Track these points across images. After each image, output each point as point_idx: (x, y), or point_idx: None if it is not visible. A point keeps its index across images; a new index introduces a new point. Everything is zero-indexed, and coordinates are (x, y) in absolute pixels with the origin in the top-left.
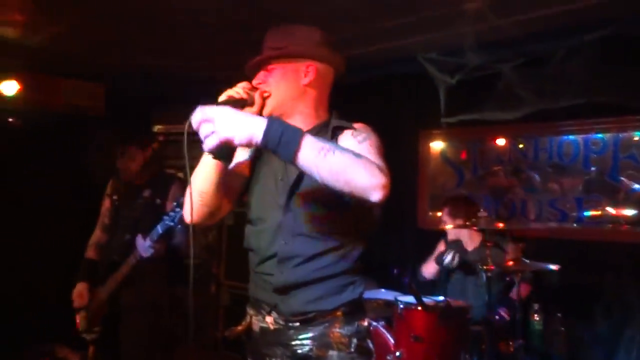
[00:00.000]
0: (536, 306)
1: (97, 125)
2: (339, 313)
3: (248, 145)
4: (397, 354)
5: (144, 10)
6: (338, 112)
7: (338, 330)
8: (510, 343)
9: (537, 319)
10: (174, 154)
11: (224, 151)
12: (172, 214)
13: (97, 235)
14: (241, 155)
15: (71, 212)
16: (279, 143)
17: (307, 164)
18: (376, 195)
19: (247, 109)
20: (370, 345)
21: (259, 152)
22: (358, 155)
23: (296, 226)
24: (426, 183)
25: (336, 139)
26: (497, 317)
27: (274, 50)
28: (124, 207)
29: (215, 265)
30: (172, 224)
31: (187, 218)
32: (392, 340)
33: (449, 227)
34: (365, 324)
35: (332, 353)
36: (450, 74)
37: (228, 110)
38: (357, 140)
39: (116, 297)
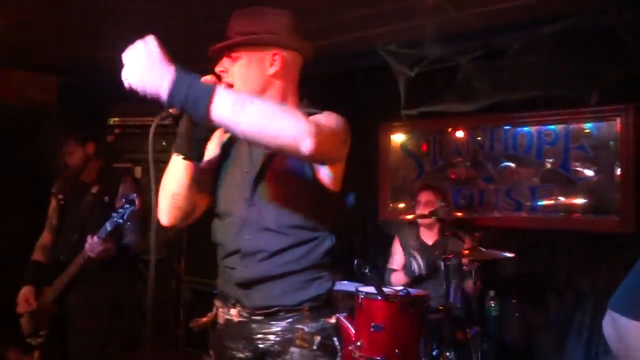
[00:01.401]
0: (492, 293)
1: (49, 118)
2: (304, 309)
3: (158, 98)
4: (358, 343)
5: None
6: (309, 100)
7: (301, 327)
8: (468, 330)
9: (493, 305)
10: (130, 147)
11: (194, 151)
12: (120, 210)
13: (44, 236)
14: (212, 151)
15: (22, 210)
16: (186, 99)
17: (225, 120)
18: (306, 145)
19: None
20: (336, 343)
21: (226, 147)
22: (281, 105)
23: (261, 220)
24: (387, 175)
25: None
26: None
27: (240, 35)
28: (71, 205)
29: (176, 262)
30: (120, 221)
31: (162, 220)
32: (353, 331)
33: (409, 217)
34: (332, 321)
35: (294, 350)
36: (409, 66)
37: (141, 54)
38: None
39: (63, 299)
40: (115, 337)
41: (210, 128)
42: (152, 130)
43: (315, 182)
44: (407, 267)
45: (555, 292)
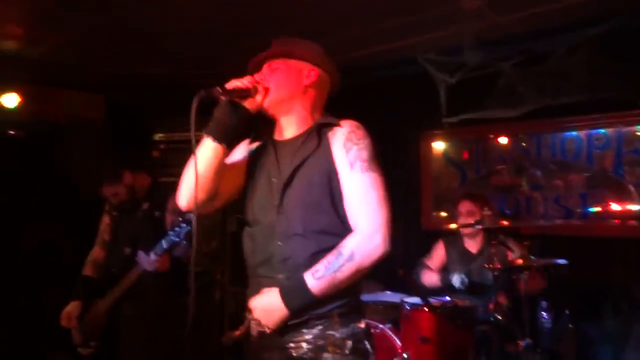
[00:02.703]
0: (544, 304)
1: (98, 135)
2: (334, 315)
3: None
4: (405, 355)
5: (142, 20)
6: (327, 112)
7: (333, 332)
8: (519, 342)
9: (546, 316)
10: (176, 161)
11: (226, 136)
12: (177, 229)
13: (95, 252)
14: (238, 154)
15: (73, 223)
16: (302, 306)
17: (329, 293)
18: (385, 252)
19: (250, 99)
20: (368, 346)
21: (254, 154)
22: (350, 254)
23: (289, 227)
24: (429, 184)
25: (325, 137)
26: (493, 305)
27: (280, 49)
28: (124, 221)
29: (220, 273)
30: (177, 239)
31: (181, 202)
32: (399, 343)
33: (452, 226)
34: (363, 325)
35: (327, 356)
36: (450, 74)
37: (261, 308)
38: (350, 162)
39: (116, 311)
40: (166, 348)
41: (247, 119)
42: (192, 110)
43: (340, 193)
44: (444, 274)
45: (610, 302)
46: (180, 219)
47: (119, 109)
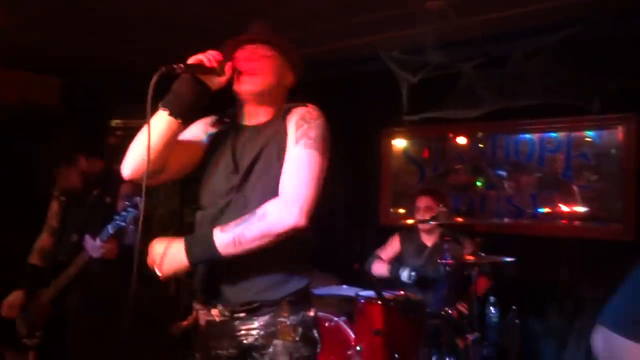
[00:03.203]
0: (492, 299)
1: (52, 119)
2: (284, 303)
3: None
4: (358, 348)
5: (100, 3)
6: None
7: (283, 319)
8: (467, 336)
9: (494, 312)
10: None
11: (183, 111)
12: (123, 213)
13: (43, 239)
14: (196, 132)
15: (22, 211)
16: (203, 255)
17: (236, 252)
18: (299, 224)
19: (213, 77)
20: (316, 335)
21: (215, 137)
22: (262, 214)
23: (247, 207)
24: (388, 180)
25: (284, 120)
26: (454, 311)
27: (276, 39)
28: (73, 207)
29: None
30: (123, 224)
31: (124, 171)
32: (352, 335)
33: (409, 222)
34: (312, 314)
35: (277, 342)
36: (412, 72)
37: (158, 248)
38: (296, 137)
39: (61, 300)
40: (113, 338)
41: (206, 97)
42: (151, 86)
43: None
44: (394, 266)
45: (555, 299)
46: (128, 203)
47: (75, 93)
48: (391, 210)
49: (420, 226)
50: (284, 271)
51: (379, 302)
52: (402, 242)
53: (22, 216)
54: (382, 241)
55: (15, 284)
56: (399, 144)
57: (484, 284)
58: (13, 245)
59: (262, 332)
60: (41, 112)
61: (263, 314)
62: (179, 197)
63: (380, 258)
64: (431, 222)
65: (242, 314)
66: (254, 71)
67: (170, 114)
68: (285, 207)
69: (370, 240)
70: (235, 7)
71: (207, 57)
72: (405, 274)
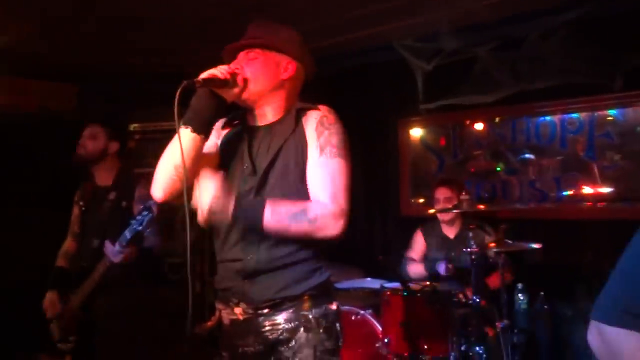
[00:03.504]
0: (520, 286)
1: (69, 127)
2: (306, 297)
3: None
4: (385, 340)
5: (116, 9)
6: (302, 99)
7: (306, 313)
8: (497, 324)
9: (522, 298)
10: (151, 152)
11: (204, 126)
12: (139, 217)
13: (67, 243)
14: (211, 141)
15: (46, 218)
16: (245, 217)
17: (275, 230)
18: (337, 235)
19: (228, 90)
20: (339, 329)
21: (226, 140)
22: (314, 218)
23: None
24: (407, 170)
25: (300, 122)
26: (477, 300)
27: (259, 39)
28: (91, 212)
29: (199, 264)
30: (139, 228)
31: (156, 194)
32: (379, 328)
33: (431, 211)
34: (334, 307)
35: (301, 335)
36: (426, 60)
37: (209, 189)
38: (320, 145)
39: (90, 305)
40: (142, 340)
41: (223, 109)
42: (177, 96)
43: None
44: (427, 262)
45: (584, 283)
46: (143, 207)
47: (92, 99)
48: (412, 200)
49: (441, 217)
50: (305, 268)
51: (405, 293)
52: (425, 237)
53: (45, 222)
54: (403, 231)
55: (45, 287)
56: (416, 133)
57: (506, 277)
58: (37, 251)
59: (286, 327)
60: (59, 119)
61: (286, 309)
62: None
63: (412, 259)
64: (453, 211)
65: (265, 310)
66: (247, 79)
67: (193, 131)
68: (334, 219)
69: (392, 232)
70: (243, 5)
71: (220, 71)
72: (442, 268)
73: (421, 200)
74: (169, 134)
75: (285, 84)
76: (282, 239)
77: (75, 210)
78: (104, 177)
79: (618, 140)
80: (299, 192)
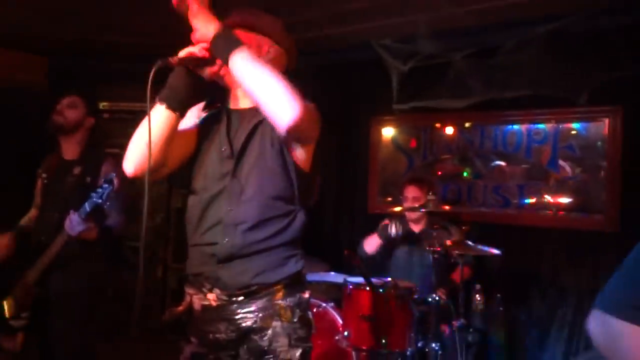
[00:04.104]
0: (477, 287)
1: (39, 99)
2: (281, 285)
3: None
4: (345, 333)
5: None
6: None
7: (281, 302)
8: (453, 323)
9: (479, 299)
10: (119, 132)
11: (180, 103)
12: (99, 190)
13: (31, 213)
14: (188, 120)
15: (10, 192)
16: (221, 44)
17: (240, 69)
18: (292, 116)
19: (207, 69)
20: (311, 316)
21: (205, 122)
22: (284, 79)
23: (242, 192)
24: (377, 169)
25: None
26: (436, 297)
27: (241, 23)
28: (54, 185)
29: (162, 249)
30: (99, 201)
31: (127, 169)
32: (340, 321)
33: (397, 209)
34: (306, 296)
35: (276, 323)
36: (403, 61)
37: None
38: None
39: (45, 282)
40: (97, 323)
41: (201, 88)
42: (151, 76)
43: (290, 159)
44: (382, 229)
45: (539, 288)
46: (104, 179)
47: (62, 73)
48: (379, 198)
49: (408, 214)
50: (280, 255)
51: (367, 288)
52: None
53: (13, 196)
54: (370, 229)
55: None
56: (388, 132)
57: (466, 273)
58: (3, 224)
59: (260, 315)
60: (28, 90)
61: (260, 297)
62: (167, 182)
63: (368, 235)
64: (420, 211)
65: (240, 298)
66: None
67: (168, 107)
68: (300, 103)
69: (358, 228)
70: None
71: (199, 48)
72: (392, 229)
73: (389, 199)
74: (138, 114)
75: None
76: (259, 223)
77: (39, 183)
78: (71, 150)
79: (580, 153)
80: (276, 175)
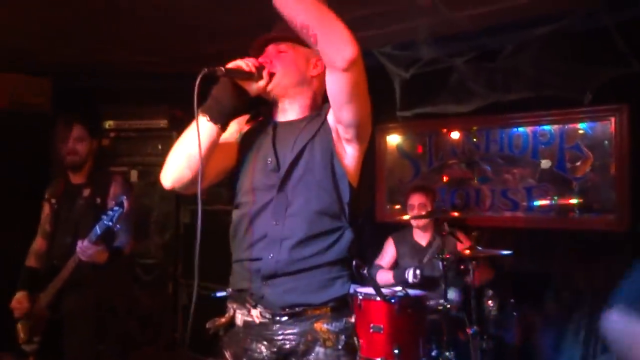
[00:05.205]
0: (490, 292)
1: (44, 122)
2: (327, 309)
3: None
4: None
5: (92, 3)
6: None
7: (326, 326)
8: (467, 330)
9: (492, 305)
10: (126, 150)
11: (222, 115)
12: (110, 213)
13: (37, 242)
14: (230, 134)
15: (15, 216)
16: None
17: (290, 3)
18: (348, 53)
19: (252, 83)
20: (357, 342)
21: (250, 134)
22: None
23: (288, 206)
24: (383, 176)
25: (326, 120)
26: (447, 305)
27: (290, 33)
28: (64, 210)
29: (173, 265)
30: (110, 224)
31: (165, 181)
32: None
33: (405, 217)
34: (352, 320)
35: (319, 349)
36: (404, 68)
37: None
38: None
39: (57, 304)
40: (109, 340)
41: (246, 102)
42: (197, 82)
43: (341, 170)
44: (398, 272)
45: (552, 291)
46: (114, 202)
47: (67, 95)
48: (387, 206)
49: (414, 224)
50: (327, 275)
51: (378, 298)
52: (397, 245)
53: (18, 220)
54: (379, 237)
55: (15, 286)
56: (393, 140)
57: (486, 274)
58: (9, 249)
59: (303, 339)
60: (34, 114)
61: (304, 320)
62: (175, 198)
63: (381, 267)
64: (427, 217)
65: (284, 318)
66: (273, 69)
67: (210, 119)
68: (355, 45)
69: (367, 237)
70: (225, 6)
71: (246, 63)
72: (410, 275)
73: (397, 207)
74: (143, 132)
75: (314, 81)
76: (305, 239)
77: (46, 209)
78: (78, 174)
79: (587, 153)
80: (324, 190)
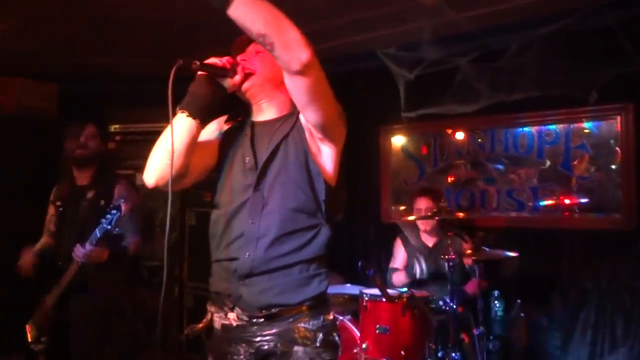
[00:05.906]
0: (496, 293)
1: (50, 126)
2: (304, 308)
3: None
4: (363, 346)
5: (96, 7)
6: None
7: (303, 325)
8: (473, 331)
9: (498, 305)
10: (131, 154)
11: (201, 111)
12: (108, 216)
13: (42, 241)
14: (211, 132)
15: (21, 220)
16: None
17: (242, 11)
18: (303, 56)
19: (228, 79)
20: (337, 338)
21: (228, 134)
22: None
23: (264, 204)
24: (388, 178)
25: (299, 119)
26: (453, 306)
27: None
28: (69, 211)
29: (178, 267)
30: (108, 227)
31: (148, 180)
32: (358, 333)
33: (411, 218)
34: (331, 317)
35: (298, 348)
36: (409, 69)
37: None
38: None
39: (63, 305)
40: (116, 342)
41: (222, 98)
42: (172, 72)
43: (316, 169)
44: (408, 269)
45: (559, 291)
46: (112, 205)
47: (72, 99)
48: (392, 207)
49: (421, 226)
50: (304, 273)
51: (384, 299)
52: (405, 245)
53: (23, 224)
54: (384, 238)
55: (22, 288)
56: (398, 141)
57: (481, 285)
58: (15, 253)
59: (281, 339)
60: (40, 118)
61: (282, 320)
62: (180, 201)
63: (396, 269)
64: (433, 221)
65: (260, 320)
66: (250, 68)
67: (189, 115)
68: (304, 45)
69: (373, 238)
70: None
71: (220, 59)
72: (417, 271)
73: (402, 208)
74: (149, 135)
75: None
76: (281, 237)
77: (51, 210)
78: (82, 176)
79: (593, 152)
80: (299, 188)
